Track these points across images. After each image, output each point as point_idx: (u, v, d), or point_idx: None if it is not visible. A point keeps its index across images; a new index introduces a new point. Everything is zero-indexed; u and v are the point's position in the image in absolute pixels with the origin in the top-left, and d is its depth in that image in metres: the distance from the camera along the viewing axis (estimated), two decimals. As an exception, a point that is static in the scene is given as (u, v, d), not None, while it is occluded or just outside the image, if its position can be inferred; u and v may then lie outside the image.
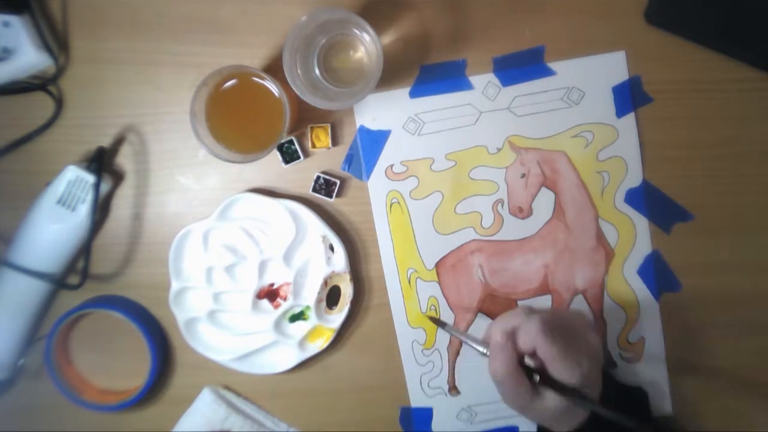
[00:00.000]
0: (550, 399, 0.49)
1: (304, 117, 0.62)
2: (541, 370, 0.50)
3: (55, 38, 0.62)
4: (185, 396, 0.65)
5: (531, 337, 0.49)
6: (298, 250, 0.63)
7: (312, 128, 0.62)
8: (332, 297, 0.64)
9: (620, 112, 0.62)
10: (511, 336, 0.51)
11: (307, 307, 0.64)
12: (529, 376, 0.50)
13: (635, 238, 0.63)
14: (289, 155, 0.62)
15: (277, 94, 0.55)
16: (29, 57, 0.60)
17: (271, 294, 0.64)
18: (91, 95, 0.62)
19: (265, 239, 0.63)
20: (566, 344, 0.49)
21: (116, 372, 0.66)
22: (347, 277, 0.63)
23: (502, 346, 0.50)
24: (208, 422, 0.63)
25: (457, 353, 0.65)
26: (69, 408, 0.64)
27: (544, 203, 0.63)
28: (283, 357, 0.64)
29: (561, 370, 0.49)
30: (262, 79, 0.55)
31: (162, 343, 0.65)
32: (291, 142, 0.62)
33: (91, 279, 0.64)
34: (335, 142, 0.63)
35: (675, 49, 0.61)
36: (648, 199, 0.63)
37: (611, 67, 0.61)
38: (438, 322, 0.62)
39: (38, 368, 0.65)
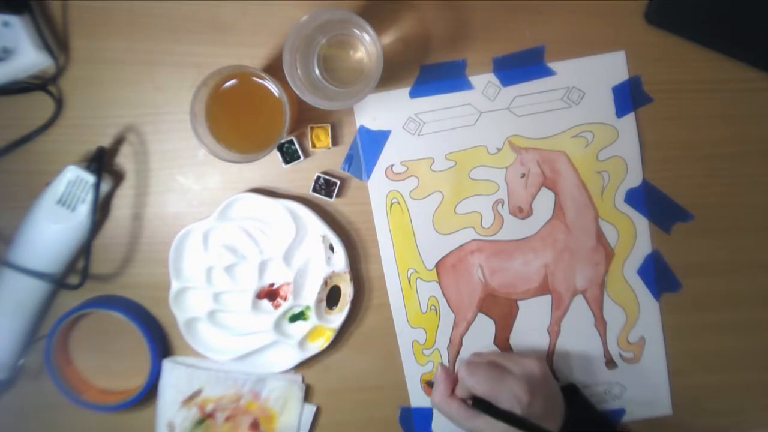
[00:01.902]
0: (487, 422, 0.56)
1: (304, 117, 0.62)
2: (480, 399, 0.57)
3: (55, 38, 0.62)
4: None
5: (461, 381, 0.58)
6: (298, 250, 0.63)
7: (312, 128, 0.62)
8: (332, 297, 0.64)
9: (620, 112, 0.62)
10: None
11: (307, 307, 0.64)
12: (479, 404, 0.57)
13: (635, 238, 0.63)
14: (289, 155, 0.62)
15: (277, 94, 0.55)
16: (29, 57, 0.60)
17: (271, 294, 0.64)
18: (91, 95, 0.62)
19: (265, 239, 0.63)
20: (497, 379, 0.57)
21: (116, 372, 0.66)
22: (347, 277, 0.63)
23: (437, 383, 0.60)
24: (178, 391, 0.64)
25: (458, 353, 0.65)
26: (69, 408, 0.64)
27: (544, 203, 0.63)
28: (283, 357, 0.64)
29: (499, 401, 0.56)
30: (262, 79, 0.55)
31: (162, 343, 0.65)
32: (291, 142, 0.62)
33: (91, 279, 0.64)
34: (335, 142, 0.63)
35: (675, 49, 0.61)
36: (648, 199, 0.63)
37: (611, 67, 0.61)
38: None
39: (38, 368, 0.65)
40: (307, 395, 0.65)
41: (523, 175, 0.63)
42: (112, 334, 0.65)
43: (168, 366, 0.64)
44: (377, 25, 0.60)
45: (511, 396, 0.55)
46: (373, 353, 0.65)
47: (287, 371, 0.64)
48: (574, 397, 0.61)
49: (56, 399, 0.64)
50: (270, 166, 0.63)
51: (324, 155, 0.63)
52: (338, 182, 0.62)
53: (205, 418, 0.64)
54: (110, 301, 0.64)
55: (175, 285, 0.63)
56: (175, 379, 0.64)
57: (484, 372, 0.57)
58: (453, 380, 0.60)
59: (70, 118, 0.63)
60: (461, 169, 0.63)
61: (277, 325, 0.64)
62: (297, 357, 0.63)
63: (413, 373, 0.65)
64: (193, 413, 0.64)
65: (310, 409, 0.65)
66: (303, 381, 0.65)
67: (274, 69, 0.60)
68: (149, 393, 0.64)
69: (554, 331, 0.64)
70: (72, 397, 0.63)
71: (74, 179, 0.59)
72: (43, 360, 0.63)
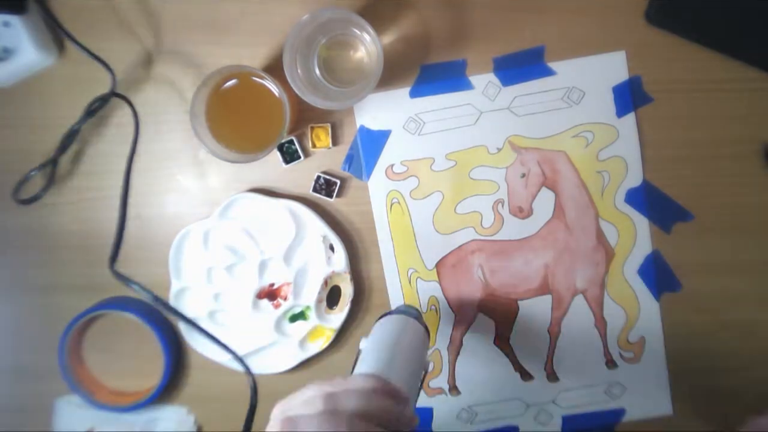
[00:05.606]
0: None
1: (304, 117, 0.62)
2: None
3: (55, 38, 0.62)
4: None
5: None
6: (298, 250, 0.63)
7: (312, 128, 0.62)
8: (332, 297, 0.64)
9: (620, 112, 0.62)
10: None
11: (308, 307, 0.64)
12: None
13: (635, 237, 0.63)
14: (289, 155, 0.62)
15: (277, 94, 0.55)
16: (29, 57, 0.60)
17: (271, 294, 0.64)
18: (91, 95, 0.62)
19: (265, 239, 0.63)
20: None
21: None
22: (347, 277, 0.63)
23: None
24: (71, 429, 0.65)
25: (458, 353, 0.65)
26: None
27: (544, 203, 0.63)
28: (284, 357, 0.64)
29: None
30: (262, 79, 0.55)
31: (175, 345, 0.65)
32: (291, 142, 0.62)
33: (91, 279, 0.64)
34: (335, 142, 0.63)
35: (675, 49, 0.61)
36: (648, 199, 0.63)
37: (611, 67, 0.61)
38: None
39: (41, 368, 0.65)
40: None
41: (524, 175, 0.63)
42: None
43: (60, 405, 0.65)
44: (377, 25, 0.60)
45: None
46: (373, 353, 0.65)
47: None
48: None
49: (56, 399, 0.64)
50: (270, 166, 0.63)
51: (324, 155, 0.63)
52: (338, 182, 0.62)
53: None
54: (124, 303, 0.64)
55: (175, 285, 0.63)
56: (67, 419, 0.65)
57: None
58: None
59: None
60: (461, 169, 0.63)
61: (277, 325, 0.64)
62: (297, 357, 0.63)
63: (413, 373, 0.65)
64: None
65: None
66: (195, 422, 0.65)
67: (274, 69, 0.60)
68: (162, 394, 0.64)
69: (554, 331, 0.64)
70: (85, 397, 0.63)
71: None
72: (57, 361, 0.63)
